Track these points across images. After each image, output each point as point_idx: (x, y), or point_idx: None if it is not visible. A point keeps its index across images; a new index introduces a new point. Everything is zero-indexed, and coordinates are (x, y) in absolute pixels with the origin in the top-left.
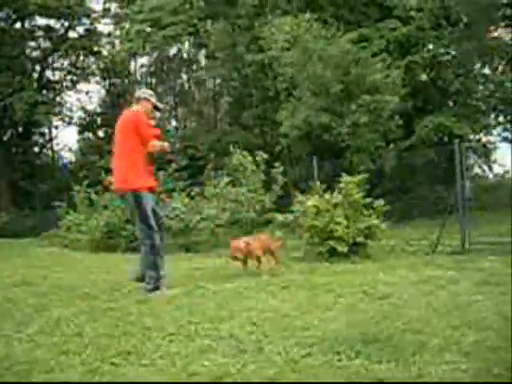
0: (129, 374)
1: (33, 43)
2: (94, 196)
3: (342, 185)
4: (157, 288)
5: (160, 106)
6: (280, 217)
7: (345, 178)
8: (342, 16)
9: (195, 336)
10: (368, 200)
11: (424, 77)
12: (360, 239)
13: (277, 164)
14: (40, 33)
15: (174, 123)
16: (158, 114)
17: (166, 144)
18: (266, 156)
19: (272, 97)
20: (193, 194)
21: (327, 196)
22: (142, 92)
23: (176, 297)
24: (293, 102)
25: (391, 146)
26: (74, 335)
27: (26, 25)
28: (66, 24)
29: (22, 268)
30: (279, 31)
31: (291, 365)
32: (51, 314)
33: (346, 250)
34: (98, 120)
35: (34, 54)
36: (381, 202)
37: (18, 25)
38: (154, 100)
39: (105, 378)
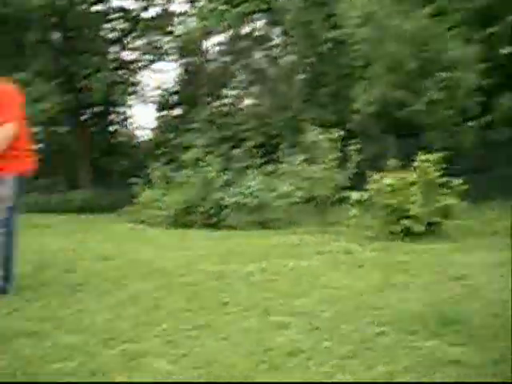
0: (205, 347)
1: (109, 25)
2: (170, 173)
3: (418, 163)
4: None
5: None
6: (355, 195)
7: (421, 155)
8: None
9: (270, 312)
10: (445, 179)
11: (507, 49)
12: (436, 219)
13: (352, 141)
14: (116, 14)
15: (248, 101)
16: None
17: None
18: (341, 133)
19: (347, 74)
20: (268, 171)
21: (403, 174)
22: None
23: (251, 273)
24: (367, 79)
25: (470, 123)
26: (151, 308)
27: (102, 7)
28: (141, 5)
29: (101, 243)
30: (352, 7)
31: (365, 343)
32: (130, 288)
33: (421, 229)
34: (175, 98)
35: (111, 35)
36: (458, 180)
37: (94, 7)
38: None
39: (181, 349)
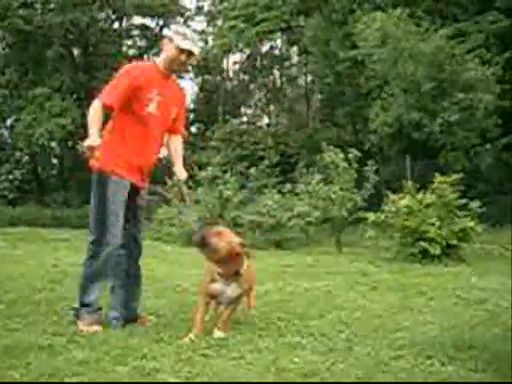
0: (219, 366)
1: (129, 41)
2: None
3: (435, 185)
4: None
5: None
6: (371, 216)
7: (438, 177)
8: (437, 10)
9: (285, 332)
10: (462, 201)
11: None
12: (453, 241)
13: (370, 162)
14: (136, 31)
15: (266, 120)
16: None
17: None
18: (358, 154)
19: (365, 94)
20: (284, 190)
21: (420, 196)
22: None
23: (266, 293)
24: (384, 99)
25: (487, 145)
26: (166, 325)
27: (124, 24)
28: (161, 22)
29: None
30: (369, 28)
31: (381, 366)
32: (144, 304)
33: (438, 252)
34: (191, 116)
35: (131, 51)
36: (476, 203)
37: (116, 24)
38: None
39: (195, 368)
